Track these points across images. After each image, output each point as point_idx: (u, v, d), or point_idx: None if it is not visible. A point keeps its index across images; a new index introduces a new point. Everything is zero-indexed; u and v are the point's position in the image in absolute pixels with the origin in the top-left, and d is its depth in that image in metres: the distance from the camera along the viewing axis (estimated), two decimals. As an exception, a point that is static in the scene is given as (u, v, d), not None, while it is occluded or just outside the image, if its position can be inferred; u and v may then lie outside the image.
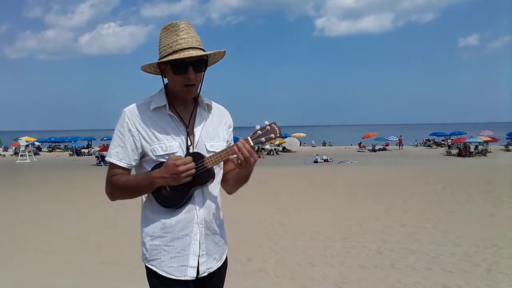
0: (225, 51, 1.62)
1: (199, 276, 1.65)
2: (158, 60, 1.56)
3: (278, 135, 1.57)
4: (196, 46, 1.55)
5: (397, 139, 36.12)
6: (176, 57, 1.49)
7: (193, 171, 1.53)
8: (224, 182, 1.76)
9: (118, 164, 1.62)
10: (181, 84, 1.57)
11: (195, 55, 1.50)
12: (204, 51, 1.57)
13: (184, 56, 1.49)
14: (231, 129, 1.81)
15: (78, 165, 22.90)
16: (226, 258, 1.80)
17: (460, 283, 4.11)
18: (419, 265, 4.71)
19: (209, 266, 1.67)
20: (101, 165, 23.05)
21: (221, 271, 1.75)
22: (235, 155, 1.56)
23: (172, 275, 1.60)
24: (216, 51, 1.58)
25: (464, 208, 8.34)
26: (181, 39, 1.53)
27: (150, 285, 1.67)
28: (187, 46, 1.52)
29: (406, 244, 5.63)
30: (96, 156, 25.41)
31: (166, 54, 1.54)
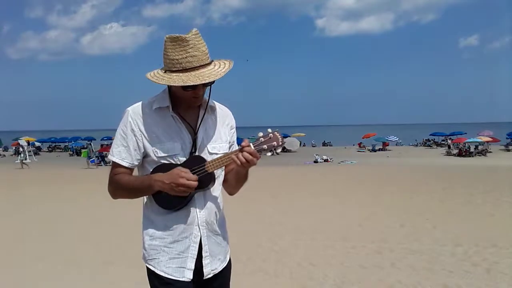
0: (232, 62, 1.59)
1: (204, 278, 1.66)
2: (165, 70, 1.54)
3: (281, 143, 1.57)
4: (206, 63, 1.52)
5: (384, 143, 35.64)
6: (189, 83, 1.46)
7: (192, 190, 1.52)
8: (224, 183, 1.76)
9: (121, 164, 1.62)
10: (189, 97, 1.57)
11: (208, 81, 1.48)
12: (213, 61, 1.55)
13: (197, 82, 1.46)
14: (234, 130, 1.80)
15: (78, 165, 22.90)
16: (230, 258, 1.80)
17: (460, 283, 4.11)
18: (419, 265, 4.71)
19: (214, 267, 1.68)
20: (101, 165, 23.08)
21: (226, 271, 1.75)
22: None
23: (171, 275, 1.61)
24: (227, 69, 1.54)
25: (464, 208, 8.35)
26: (190, 56, 1.48)
27: (150, 285, 1.67)
28: (198, 65, 1.49)
29: (406, 244, 5.63)
30: (96, 156, 25.41)
31: (175, 69, 1.50)
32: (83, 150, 25.34)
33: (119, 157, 1.62)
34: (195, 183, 1.51)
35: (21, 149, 22.81)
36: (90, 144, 25.67)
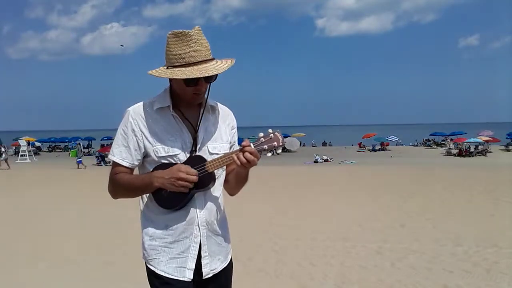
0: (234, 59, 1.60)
1: (203, 278, 1.66)
2: (167, 66, 1.54)
3: (281, 143, 1.57)
4: (209, 58, 1.52)
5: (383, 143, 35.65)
6: (192, 76, 1.46)
7: (191, 185, 1.52)
8: (225, 183, 1.76)
9: (121, 164, 1.62)
10: (190, 93, 1.57)
11: (211, 74, 1.48)
12: (215, 58, 1.56)
13: (201, 75, 1.46)
14: (235, 130, 1.80)
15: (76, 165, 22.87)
16: (232, 258, 1.80)
17: (460, 283, 4.11)
18: (419, 265, 4.71)
19: (213, 267, 1.68)
20: (101, 165, 23.07)
21: (227, 271, 1.75)
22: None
23: (171, 275, 1.61)
24: (229, 65, 1.55)
25: (464, 208, 8.35)
26: (194, 51, 1.49)
27: (150, 285, 1.67)
28: (201, 59, 1.50)
29: (406, 244, 5.63)
30: (96, 156, 25.42)
31: (178, 64, 1.50)
32: (71, 150, 24.98)
33: (120, 157, 1.62)
34: (195, 178, 1.51)
35: (2, 149, 22.82)
36: (79, 144, 25.44)
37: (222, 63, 1.55)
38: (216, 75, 1.55)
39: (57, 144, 42.03)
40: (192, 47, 1.49)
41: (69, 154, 28.51)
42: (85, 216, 8.19)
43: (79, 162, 21.56)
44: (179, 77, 1.48)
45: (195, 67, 1.49)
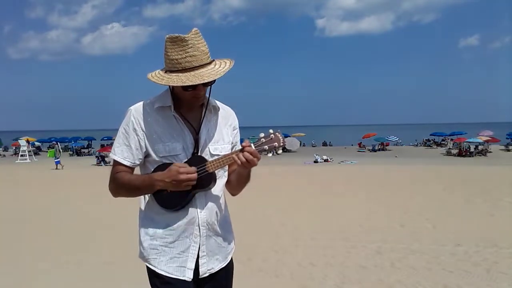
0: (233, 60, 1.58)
1: (200, 277, 1.66)
2: (165, 70, 1.54)
3: (282, 144, 1.57)
4: (206, 62, 1.51)
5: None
6: (188, 83, 1.46)
7: (194, 182, 1.52)
8: (227, 184, 1.76)
9: (122, 163, 1.62)
10: (189, 97, 1.57)
11: (207, 80, 1.47)
12: (214, 60, 1.55)
13: (196, 82, 1.46)
14: (237, 131, 1.79)
15: (78, 165, 22.90)
16: (232, 258, 1.80)
17: (460, 283, 4.11)
18: (419, 265, 4.71)
19: (210, 267, 1.68)
20: (101, 165, 23.06)
21: (225, 271, 1.75)
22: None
23: (172, 274, 1.61)
24: (227, 68, 1.53)
25: (464, 208, 8.34)
26: (190, 56, 1.48)
27: (151, 284, 1.68)
28: (197, 65, 1.49)
29: (406, 244, 5.63)
30: (96, 156, 25.42)
31: (175, 69, 1.50)
32: (49, 150, 24.61)
33: (121, 156, 1.62)
34: (195, 175, 1.52)
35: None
36: (57, 144, 25.41)
37: (220, 66, 1.53)
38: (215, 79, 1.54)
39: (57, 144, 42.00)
40: (188, 52, 1.48)
41: (81, 154, 28.11)
42: (84, 216, 8.19)
43: (57, 163, 21.25)
44: (175, 84, 1.48)
45: (192, 73, 1.48)
